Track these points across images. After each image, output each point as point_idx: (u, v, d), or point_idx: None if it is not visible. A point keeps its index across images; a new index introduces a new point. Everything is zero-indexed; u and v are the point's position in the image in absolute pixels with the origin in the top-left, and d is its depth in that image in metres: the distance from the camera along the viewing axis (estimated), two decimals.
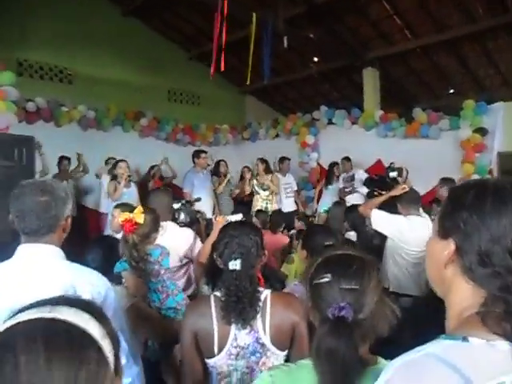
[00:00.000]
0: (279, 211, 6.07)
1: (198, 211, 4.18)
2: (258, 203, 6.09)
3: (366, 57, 7.61)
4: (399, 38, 7.30)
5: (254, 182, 6.21)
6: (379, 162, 7.03)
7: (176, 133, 7.92)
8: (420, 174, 6.17)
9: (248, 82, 4.80)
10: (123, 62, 7.74)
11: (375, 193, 6.87)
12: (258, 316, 1.43)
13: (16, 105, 6.04)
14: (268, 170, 6.25)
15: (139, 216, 2.18)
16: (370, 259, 1.11)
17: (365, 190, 5.82)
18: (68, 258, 1.38)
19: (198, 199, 4.72)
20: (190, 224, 3.51)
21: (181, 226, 3.14)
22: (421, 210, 3.46)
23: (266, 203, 6.15)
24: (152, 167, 7.10)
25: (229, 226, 1.62)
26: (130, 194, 4.94)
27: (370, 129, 7.08)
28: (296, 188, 6.89)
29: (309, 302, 1.08)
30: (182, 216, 3.50)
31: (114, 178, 5.02)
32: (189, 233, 2.98)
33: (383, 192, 6.76)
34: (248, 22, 5.45)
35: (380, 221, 3.18)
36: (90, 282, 1.29)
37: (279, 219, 4.59)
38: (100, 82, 7.39)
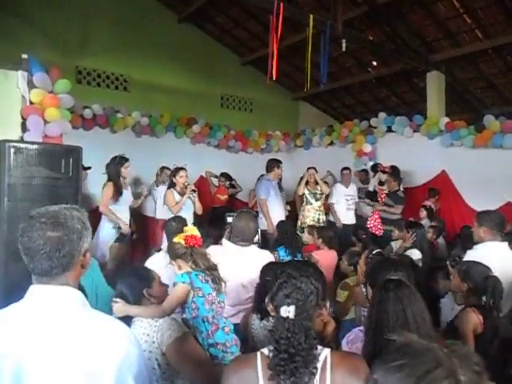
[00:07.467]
0: (331, 224, 5.77)
1: None
2: (310, 214, 5.78)
3: (431, 59, 7.07)
4: (469, 39, 6.69)
5: (306, 191, 5.90)
6: (443, 173, 6.53)
7: (228, 139, 7.82)
8: (492, 187, 5.63)
9: (306, 89, 4.52)
10: (177, 69, 7.78)
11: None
12: (315, 380, 1.15)
13: (73, 112, 6.19)
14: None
15: (197, 232, 2.38)
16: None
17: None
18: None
19: None
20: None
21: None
22: None
23: (319, 214, 5.82)
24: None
25: (289, 263, 1.38)
26: (188, 206, 4.55)
27: (434, 137, 6.57)
28: (357, 200, 6.49)
29: None
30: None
31: (172, 185, 4.57)
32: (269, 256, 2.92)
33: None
34: (303, 26, 5.23)
35: None
36: (107, 344, 1.08)
37: (332, 233, 4.22)
38: (154, 88, 7.47)
